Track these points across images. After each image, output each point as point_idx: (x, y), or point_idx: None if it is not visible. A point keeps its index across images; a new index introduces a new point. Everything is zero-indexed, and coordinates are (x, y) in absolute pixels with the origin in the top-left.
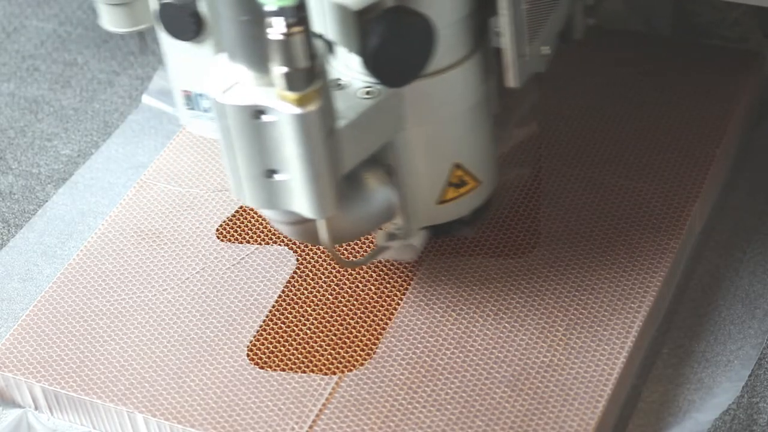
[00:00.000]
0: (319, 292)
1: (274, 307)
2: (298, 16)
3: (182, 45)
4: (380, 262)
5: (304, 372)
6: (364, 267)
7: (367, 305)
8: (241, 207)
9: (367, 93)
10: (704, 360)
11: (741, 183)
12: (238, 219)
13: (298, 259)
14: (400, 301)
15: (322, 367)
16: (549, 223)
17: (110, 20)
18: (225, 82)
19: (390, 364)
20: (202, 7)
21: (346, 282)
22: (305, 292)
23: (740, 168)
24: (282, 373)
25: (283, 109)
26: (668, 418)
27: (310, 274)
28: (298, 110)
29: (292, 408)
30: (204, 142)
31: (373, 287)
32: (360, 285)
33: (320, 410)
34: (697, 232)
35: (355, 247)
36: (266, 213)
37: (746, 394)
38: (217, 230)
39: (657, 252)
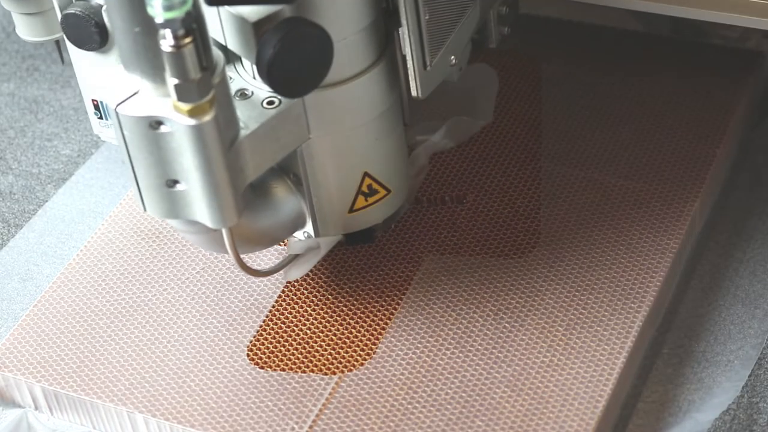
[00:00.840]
0: (319, 292)
1: (274, 307)
2: (186, 27)
3: (88, 54)
4: (380, 262)
5: (304, 372)
6: (364, 267)
7: (367, 305)
8: None
9: (270, 103)
10: (704, 360)
11: (741, 183)
12: None
13: None
14: (400, 301)
15: (322, 367)
16: (549, 223)
17: (26, 30)
18: (123, 92)
19: (390, 364)
20: (105, 17)
21: (346, 282)
22: (305, 292)
23: (740, 168)
24: (282, 373)
25: (177, 119)
26: (668, 418)
27: (310, 274)
28: (192, 121)
29: (292, 408)
30: None
31: (373, 287)
32: (360, 285)
33: (320, 410)
34: (697, 232)
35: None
36: (171, 223)
37: (746, 394)
38: None
39: (657, 252)
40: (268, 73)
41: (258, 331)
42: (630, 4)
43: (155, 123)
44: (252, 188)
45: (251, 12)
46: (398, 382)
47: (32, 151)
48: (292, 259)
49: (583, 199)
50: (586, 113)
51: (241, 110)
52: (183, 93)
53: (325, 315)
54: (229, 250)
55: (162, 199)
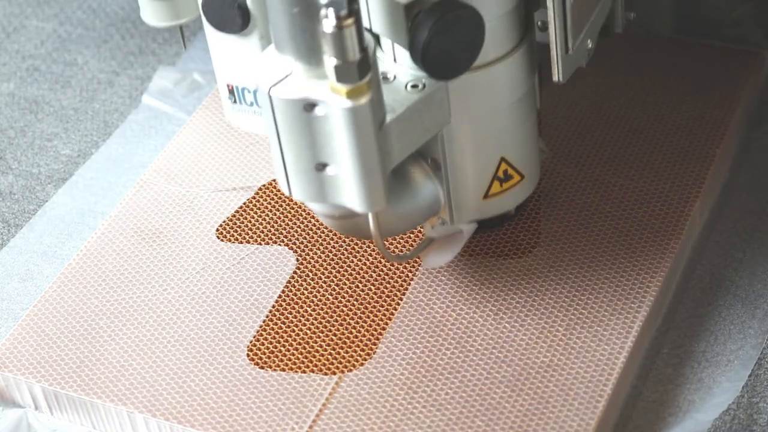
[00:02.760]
0: (319, 292)
1: (274, 307)
2: (349, 8)
3: (227, 38)
4: (380, 262)
5: (304, 372)
6: (363, 267)
7: (367, 305)
8: (241, 207)
9: (414, 86)
10: (704, 360)
11: (741, 183)
12: (238, 219)
13: (298, 259)
14: (400, 301)
15: (322, 367)
16: (549, 223)
17: (152, 14)
18: (275, 75)
19: (390, 364)
20: (248, 0)
21: (346, 282)
22: (305, 292)
23: (740, 168)
24: (282, 373)
25: (334, 102)
26: (668, 418)
27: (310, 274)
28: (349, 103)
29: (292, 408)
30: (204, 142)
31: (373, 287)
32: (360, 285)
33: (320, 410)
34: (697, 232)
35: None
36: (314, 207)
37: (746, 394)
38: (217, 230)
39: (657, 252)
40: (423, 57)
41: (258, 331)
42: None
43: (309, 105)
44: (391, 173)
45: None
46: (398, 382)
47: (32, 151)
48: (428, 243)
49: (583, 199)
50: (586, 113)
51: (385, 94)
52: (343, 74)
53: (325, 315)
54: (374, 235)
55: (310, 183)
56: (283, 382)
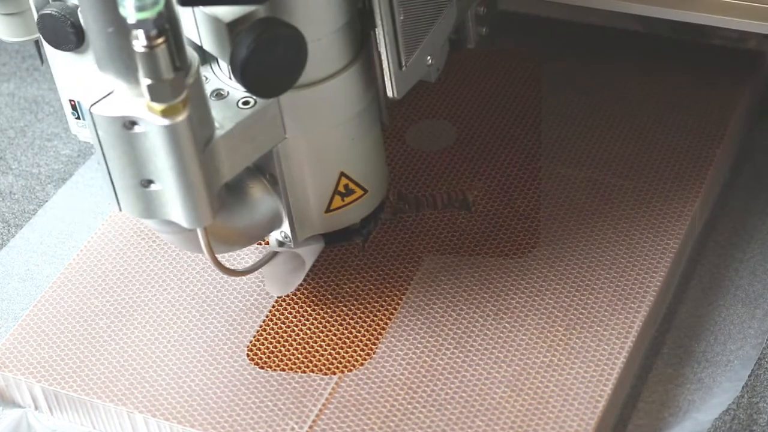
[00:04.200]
0: (319, 292)
1: (274, 307)
2: (158, 27)
3: (65, 55)
4: (380, 262)
5: (304, 372)
6: (363, 267)
7: (367, 305)
8: None
9: (245, 103)
10: (704, 360)
11: (741, 183)
12: None
13: None
14: (400, 301)
15: (322, 367)
16: (549, 223)
17: (5, 30)
18: (98, 93)
19: (390, 364)
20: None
21: (346, 282)
22: (305, 292)
23: (740, 168)
24: (282, 373)
25: (151, 120)
26: (668, 418)
27: (310, 274)
28: (165, 121)
29: (292, 408)
30: None
31: (373, 287)
32: (360, 285)
33: (320, 410)
34: (697, 232)
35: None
36: (147, 222)
37: (746, 394)
38: None
39: (657, 252)
40: (242, 74)
41: (258, 331)
42: (630, 8)
43: (129, 123)
44: (228, 188)
45: (226, 12)
46: (398, 382)
47: (32, 151)
48: (271, 257)
49: (583, 199)
50: (586, 113)
51: (217, 110)
52: (156, 93)
53: (325, 315)
54: (204, 250)
55: (137, 199)
56: (283, 382)
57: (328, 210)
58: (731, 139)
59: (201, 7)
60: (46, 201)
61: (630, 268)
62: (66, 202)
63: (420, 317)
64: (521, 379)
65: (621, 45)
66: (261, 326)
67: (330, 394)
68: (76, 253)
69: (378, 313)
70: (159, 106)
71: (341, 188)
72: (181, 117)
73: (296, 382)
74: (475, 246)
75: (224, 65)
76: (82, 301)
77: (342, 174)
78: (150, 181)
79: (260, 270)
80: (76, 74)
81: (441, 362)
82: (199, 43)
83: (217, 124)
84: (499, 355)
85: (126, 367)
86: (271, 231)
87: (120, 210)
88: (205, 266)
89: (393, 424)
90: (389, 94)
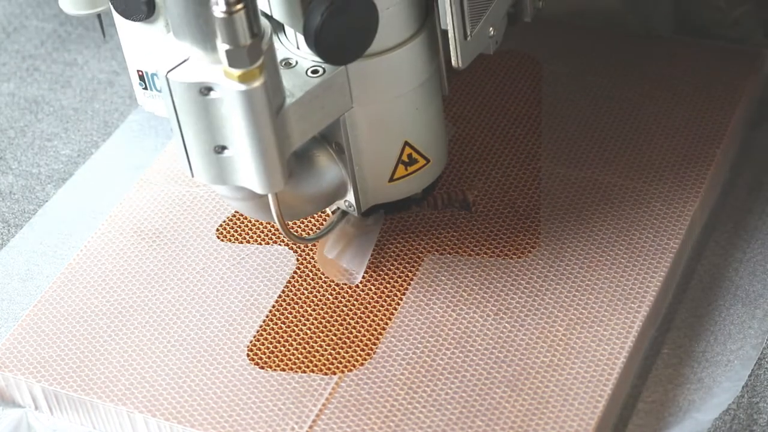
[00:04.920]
0: (319, 292)
1: (274, 307)
2: None
3: (134, 25)
4: (380, 262)
5: (304, 372)
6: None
7: (367, 305)
8: None
9: (314, 72)
10: (704, 360)
11: (741, 183)
12: (238, 219)
13: (298, 259)
14: (400, 301)
15: (322, 367)
16: (549, 223)
17: (69, 3)
18: (173, 60)
19: (390, 364)
20: None
21: (346, 282)
22: (305, 292)
23: (740, 168)
24: (282, 373)
25: (228, 86)
26: (668, 418)
27: (310, 274)
28: (242, 87)
29: (292, 408)
30: None
31: (373, 287)
32: (360, 285)
33: (320, 410)
34: (697, 232)
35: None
36: (218, 189)
37: (746, 394)
38: (217, 230)
39: (657, 252)
40: (315, 42)
41: (258, 331)
42: None
43: (205, 89)
44: (295, 156)
45: None
46: (398, 382)
47: (32, 151)
48: (335, 224)
49: (583, 199)
50: (586, 113)
51: (286, 79)
52: (234, 59)
53: (325, 315)
54: (275, 216)
55: (210, 165)
56: (283, 382)
57: (391, 179)
58: (731, 139)
59: None
60: (46, 201)
61: (630, 268)
62: (66, 202)
63: (420, 317)
64: (521, 379)
65: (621, 45)
66: (261, 326)
67: (330, 394)
68: (76, 253)
69: (378, 313)
70: (236, 72)
71: (405, 157)
72: (258, 83)
73: (296, 382)
74: (475, 246)
75: (291, 34)
76: (82, 301)
77: (406, 143)
78: (223, 147)
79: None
80: (145, 44)
81: (441, 362)
82: (269, 12)
83: (287, 93)
84: (499, 355)
85: (126, 367)
86: (336, 200)
87: (192, 176)
88: (205, 266)
89: (393, 424)
90: (454, 64)
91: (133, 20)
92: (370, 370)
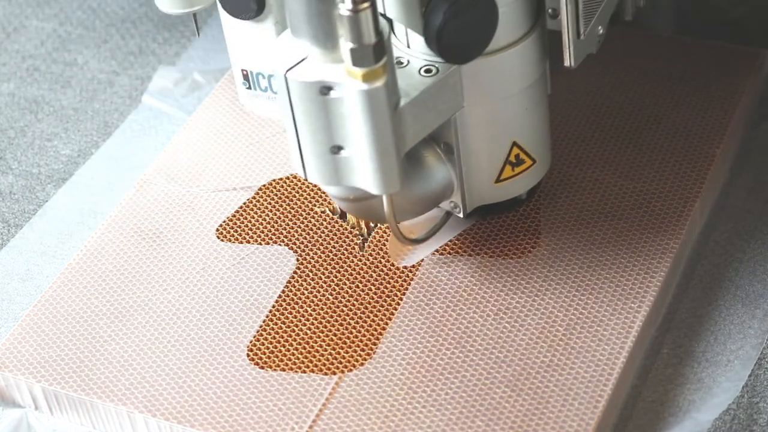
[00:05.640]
0: (319, 292)
1: (274, 307)
2: None
3: (242, 24)
4: (380, 262)
5: (304, 372)
6: (364, 267)
7: (367, 305)
8: (241, 207)
9: (427, 71)
10: (704, 360)
11: (741, 183)
12: (238, 219)
13: (298, 259)
14: (400, 301)
15: (322, 367)
16: (549, 223)
17: (167, 2)
18: (291, 59)
19: (390, 364)
20: None
21: (346, 282)
22: (305, 292)
23: (740, 168)
24: (282, 373)
25: (350, 85)
26: (668, 418)
27: (310, 274)
28: (365, 86)
29: (292, 408)
30: (204, 142)
31: (373, 287)
32: (360, 285)
33: (320, 410)
34: (697, 232)
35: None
36: (329, 190)
37: (746, 394)
38: (217, 230)
39: (657, 252)
40: (437, 41)
41: (258, 331)
42: None
43: (325, 89)
44: (406, 157)
45: None
46: (398, 382)
47: (32, 151)
48: (443, 224)
49: (583, 199)
50: (586, 113)
51: (400, 78)
52: (359, 57)
53: (325, 315)
54: (388, 218)
55: (325, 166)
56: (283, 382)
57: (498, 180)
58: (731, 139)
59: None
60: (46, 201)
61: (630, 268)
62: (66, 202)
63: (420, 317)
64: (521, 380)
65: (621, 45)
66: (261, 326)
67: (330, 394)
68: (76, 253)
69: (378, 313)
70: (360, 71)
71: (512, 158)
72: (381, 82)
73: (296, 382)
74: (475, 246)
75: (401, 33)
76: (82, 301)
77: (514, 143)
78: (340, 148)
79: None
80: (252, 43)
81: (441, 362)
82: (383, 11)
83: (401, 92)
84: (499, 355)
85: (126, 367)
86: (443, 200)
87: (305, 178)
88: (206, 266)
89: (393, 424)
90: (566, 63)
91: (243, 18)
92: (370, 370)
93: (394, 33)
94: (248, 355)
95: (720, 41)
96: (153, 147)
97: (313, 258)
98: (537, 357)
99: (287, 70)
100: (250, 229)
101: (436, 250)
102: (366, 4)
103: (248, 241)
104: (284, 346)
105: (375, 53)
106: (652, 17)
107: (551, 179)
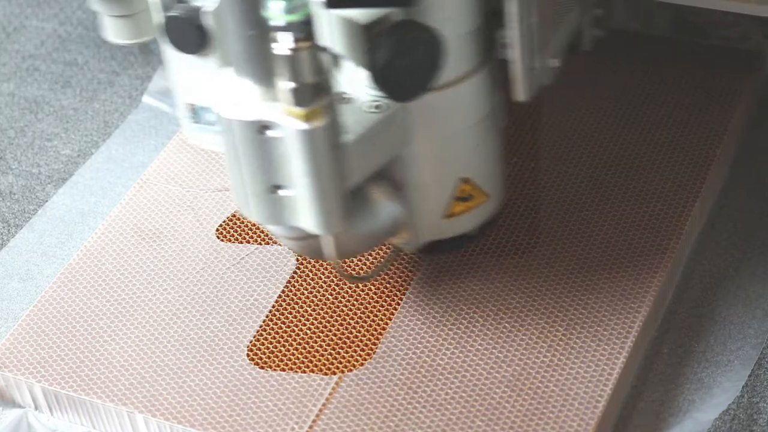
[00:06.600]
0: (319, 292)
1: (274, 307)
2: (305, 30)
3: (187, 58)
4: (380, 262)
5: (304, 372)
6: (364, 267)
7: (367, 305)
8: None
9: (374, 107)
10: (704, 360)
11: (741, 183)
12: (238, 219)
13: (298, 259)
14: (400, 301)
15: (322, 367)
16: (549, 223)
17: (114, 32)
18: (232, 97)
19: (390, 364)
20: (207, 20)
21: (346, 282)
22: (305, 292)
23: (740, 168)
24: (282, 373)
25: (289, 124)
26: (668, 418)
27: (310, 274)
28: (305, 126)
29: (292, 408)
30: None
31: (373, 287)
32: (360, 285)
33: (320, 410)
34: (697, 232)
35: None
36: (272, 228)
37: (746, 394)
38: (217, 230)
39: (657, 252)
40: (381, 78)
41: (258, 331)
42: None
43: (264, 128)
44: (351, 194)
45: (360, 14)
46: (398, 382)
47: (32, 151)
48: (392, 261)
49: (583, 199)
50: (586, 113)
51: (345, 115)
52: (300, 97)
53: (325, 315)
54: (332, 257)
55: (266, 205)
56: (283, 382)
57: (448, 215)
58: (731, 139)
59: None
60: (46, 201)
61: (630, 268)
62: (66, 202)
63: (420, 317)
64: (521, 379)
65: (621, 45)
66: (261, 326)
67: (330, 394)
68: (76, 253)
69: (378, 313)
70: (300, 111)
71: (463, 193)
72: (322, 121)
73: (296, 382)
74: (475, 246)
75: (348, 67)
76: (82, 301)
77: (465, 179)
78: (280, 187)
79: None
80: (196, 78)
81: (441, 362)
82: (328, 46)
83: (346, 129)
84: (499, 355)
85: (126, 367)
86: (392, 236)
87: (247, 216)
88: (205, 266)
89: (393, 424)
90: (517, 97)
91: (186, 52)
92: (370, 370)
93: (341, 67)
94: (248, 355)
95: (720, 41)
96: (153, 147)
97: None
98: (537, 357)
99: (227, 109)
100: (250, 229)
101: (436, 250)
102: (305, 44)
103: (248, 241)
104: (284, 346)
105: (315, 92)
106: (652, 17)
107: (551, 179)
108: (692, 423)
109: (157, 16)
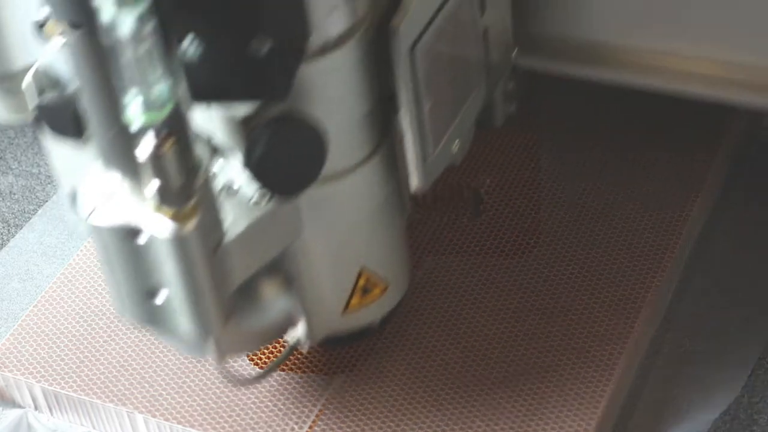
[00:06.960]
0: None
1: None
2: (170, 128)
3: (66, 142)
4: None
5: (304, 372)
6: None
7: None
8: None
9: (261, 199)
10: (704, 360)
11: (741, 183)
12: None
13: None
14: (400, 302)
15: (322, 367)
16: (549, 223)
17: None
18: (99, 196)
19: (390, 364)
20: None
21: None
22: None
23: (740, 168)
24: (282, 373)
25: (158, 229)
26: (668, 418)
27: None
28: (173, 230)
29: (292, 408)
30: None
31: None
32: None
33: (320, 410)
34: (697, 232)
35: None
36: (151, 329)
37: (746, 394)
38: None
39: (657, 252)
40: (258, 172)
41: None
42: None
43: (132, 232)
44: (239, 289)
45: (239, 106)
46: (398, 382)
47: (32, 151)
48: (286, 357)
49: (583, 199)
50: (586, 113)
51: (228, 208)
52: (166, 197)
53: None
54: (215, 360)
55: (141, 308)
56: (283, 382)
57: (347, 309)
58: (732, 138)
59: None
60: (46, 201)
61: (630, 268)
62: (66, 202)
63: (420, 317)
64: (521, 379)
65: None
66: None
67: (330, 394)
68: (76, 253)
69: None
70: (169, 211)
71: (362, 285)
72: (192, 224)
73: (296, 382)
74: (476, 246)
75: (237, 156)
76: (82, 301)
77: (362, 270)
78: (155, 290)
79: None
80: (76, 163)
81: (441, 362)
82: (209, 136)
83: (228, 225)
84: (499, 355)
85: (126, 367)
86: (285, 332)
87: (125, 317)
88: None
89: (393, 424)
90: (413, 186)
91: (63, 137)
92: (370, 370)
93: (228, 156)
94: (248, 355)
95: None
96: None
97: None
98: (537, 357)
99: (90, 213)
100: None
101: (437, 250)
102: (169, 143)
103: None
104: (284, 346)
105: (184, 193)
106: None
107: (551, 179)
108: (692, 423)
109: (32, 99)
